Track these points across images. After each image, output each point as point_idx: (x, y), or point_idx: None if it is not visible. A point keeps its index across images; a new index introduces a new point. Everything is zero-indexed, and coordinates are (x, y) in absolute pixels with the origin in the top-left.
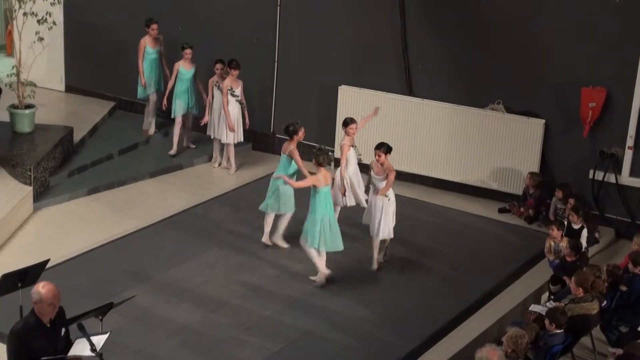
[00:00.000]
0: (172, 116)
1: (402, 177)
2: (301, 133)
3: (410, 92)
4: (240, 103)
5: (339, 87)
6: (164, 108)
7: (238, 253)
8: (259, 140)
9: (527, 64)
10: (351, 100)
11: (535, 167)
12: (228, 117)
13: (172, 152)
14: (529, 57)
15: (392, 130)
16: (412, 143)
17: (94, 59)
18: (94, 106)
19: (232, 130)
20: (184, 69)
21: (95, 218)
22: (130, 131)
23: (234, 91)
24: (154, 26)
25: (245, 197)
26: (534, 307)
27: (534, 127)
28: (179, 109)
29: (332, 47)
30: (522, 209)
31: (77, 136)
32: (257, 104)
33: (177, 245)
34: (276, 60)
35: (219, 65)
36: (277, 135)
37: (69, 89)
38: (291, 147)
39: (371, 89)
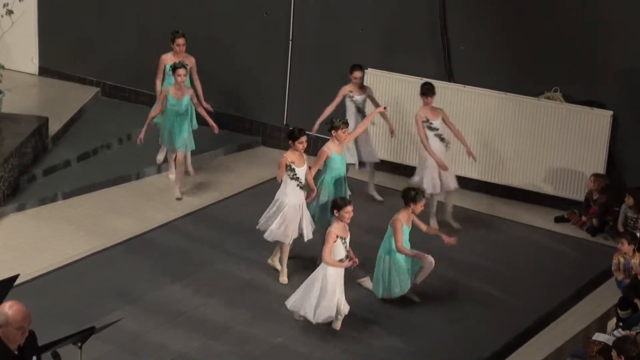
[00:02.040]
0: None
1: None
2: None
3: (449, 77)
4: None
5: (366, 70)
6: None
7: (243, 269)
8: (270, 135)
9: (591, 43)
10: (379, 86)
11: (600, 168)
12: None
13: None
14: (593, 35)
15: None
16: (449, 138)
17: (74, 36)
18: (74, 92)
19: None
20: (174, 97)
21: (73, 226)
22: (118, 122)
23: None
24: (180, 41)
25: (249, 204)
26: (598, 336)
27: (599, 120)
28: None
29: (356, 23)
30: (583, 218)
31: (53, 128)
32: (267, 91)
33: (170, 259)
34: (290, 38)
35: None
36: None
37: (43, 71)
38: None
39: (403, 74)
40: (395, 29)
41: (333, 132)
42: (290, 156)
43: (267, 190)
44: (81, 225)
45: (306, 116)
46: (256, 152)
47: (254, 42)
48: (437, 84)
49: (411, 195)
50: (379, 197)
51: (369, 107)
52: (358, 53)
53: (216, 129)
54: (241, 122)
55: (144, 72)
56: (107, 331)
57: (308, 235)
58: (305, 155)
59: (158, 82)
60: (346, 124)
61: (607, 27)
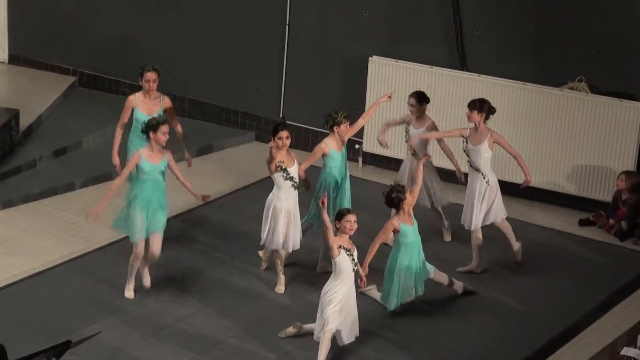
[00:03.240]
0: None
1: (449, 176)
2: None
3: (463, 65)
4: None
5: (370, 58)
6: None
7: (235, 277)
8: (264, 128)
9: (619, 28)
10: (385, 75)
11: (630, 166)
12: None
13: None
14: (621, 19)
15: (437, 114)
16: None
17: (48, 20)
18: (47, 82)
19: None
20: (150, 162)
21: (48, 229)
22: (96, 115)
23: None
24: (150, 76)
25: (242, 204)
26: (627, 351)
27: (629, 113)
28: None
29: (360, 6)
30: (611, 221)
31: (25, 122)
32: (262, 81)
33: (155, 266)
34: (287, 23)
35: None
36: (289, 122)
37: (14, 59)
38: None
39: (411, 62)
40: (403, 12)
41: (335, 128)
42: (278, 155)
43: (261, 189)
44: (55, 228)
45: (304, 109)
46: (250, 147)
47: (247, 27)
48: (449, 72)
49: (395, 201)
50: (448, 238)
51: None
52: (361, 39)
53: (190, 163)
54: (233, 116)
55: (125, 59)
56: (85, 345)
57: (295, 244)
58: (294, 153)
59: (119, 130)
60: (347, 117)
61: (638, 10)
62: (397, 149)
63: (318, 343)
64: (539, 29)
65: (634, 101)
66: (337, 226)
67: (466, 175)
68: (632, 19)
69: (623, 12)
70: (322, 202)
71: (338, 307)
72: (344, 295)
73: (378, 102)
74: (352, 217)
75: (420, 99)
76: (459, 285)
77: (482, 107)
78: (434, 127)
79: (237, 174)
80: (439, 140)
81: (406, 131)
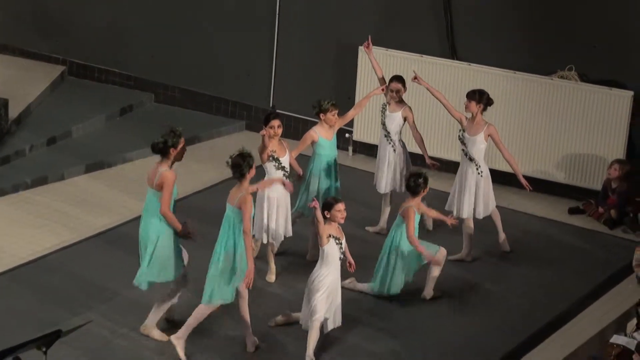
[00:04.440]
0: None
1: (441, 165)
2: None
3: (453, 54)
4: None
5: (360, 47)
6: None
7: None
8: (255, 117)
9: (610, 16)
10: None
11: (619, 154)
12: None
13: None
14: (611, 8)
15: (428, 104)
16: (454, 121)
17: (37, 8)
18: (37, 71)
19: None
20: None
21: (35, 219)
22: (86, 105)
23: None
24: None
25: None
26: (617, 339)
27: (618, 101)
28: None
29: None
30: (601, 209)
31: (14, 111)
32: (251, 68)
33: None
34: (277, 12)
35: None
36: (279, 112)
37: (2, 48)
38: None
39: (402, 50)
40: (393, 1)
41: (322, 115)
42: (270, 144)
43: (252, 178)
44: (46, 217)
45: (295, 97)
46: (240, 136)
47: (238, 15)
48: (439, 61)
49: (417, 183)
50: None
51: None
52: (352, 27)
53: None
54: (223, 104)
55: (115, 49)
56: (75, 334)
57: (287, 233)
58: (286, 142)
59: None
60: (335, 105)
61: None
62: None
63: (306, 331)
64: (528, 18)
65: (624, 89)
66: (327, 216)
67: (435, 163)
68: (622, 7)
69: (613, 1)
70: (314, 207)
71: (325, 295)
72: (331, 282)
73: (371, 94)
74: (341, 206)
75: (404, 84)
76: (428, 292)
77: (480, 97)
78: (410, 112)
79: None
80: (413, 129)
81: (382, 112)
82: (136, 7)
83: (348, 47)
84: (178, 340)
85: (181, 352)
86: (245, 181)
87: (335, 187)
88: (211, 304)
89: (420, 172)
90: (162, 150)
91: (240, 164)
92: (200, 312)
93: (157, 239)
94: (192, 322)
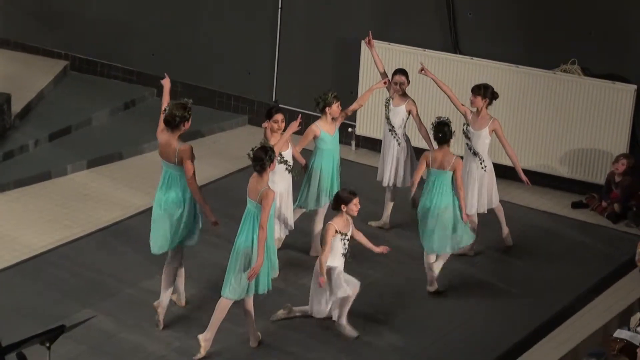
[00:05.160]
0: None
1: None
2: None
3: (455, 48)
4: None
5: (362, 41)
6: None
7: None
8: (257, 112)
9: (612, 9)
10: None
11: (623, 148)
12: None
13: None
14: (613, 1)
15: (430, 98)
16: (457, 115)
17: (39, 4)
18: (39, 66)
19: None
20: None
21: (39, 215)
22: (88, 100)
23: None
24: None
25: (234, 189)
26: (620, 333)
27: (622, 95)
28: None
29: None
30: (604, 204)
31: (16, 107)
32: (255, 65)
33: (150, 249)
34: (280, 6)
35: None
36: (282, 106)
37: (4, 43)
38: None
39: (404, 45)
40: None
41: (327, 108)
42: (272, 138)
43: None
44: (49, 212)
45: (297, 92)
46: (243, 131)
47: (240, 10)
48: (442, 55)
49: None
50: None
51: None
52: (354, 22)
53: None
54: (226, 99)
55: (117, 44)
56: (79, 330)
57: (289, 227)
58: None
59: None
60: (338, 97)
61: None
62: None
63: (309, 326)
64: (531, 12)
65: (627, 83)
66: (344, 209)
67: None
68: (625, 0)
69: None
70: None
71: (341, 276)
72: (340, 272)
73: (373, 88)
74: (357, 200)
75: (407, 77)
76: (433, 285)
77: (486, 92)
78: (414, 105)
79: (230, 158)
80: (418, 122)
81: (386, 106)
82: (138, 2)
83: (350, 42)
84: (207, 342)
85: (203, 352)
86: (266, 174)
87: (337, 182)
88: (249, 295)
89: (445, 121)
90: (177, 125)
91: (262, 157)
92: (222, 307)
93: (184, 208)
94: (214, 321)
